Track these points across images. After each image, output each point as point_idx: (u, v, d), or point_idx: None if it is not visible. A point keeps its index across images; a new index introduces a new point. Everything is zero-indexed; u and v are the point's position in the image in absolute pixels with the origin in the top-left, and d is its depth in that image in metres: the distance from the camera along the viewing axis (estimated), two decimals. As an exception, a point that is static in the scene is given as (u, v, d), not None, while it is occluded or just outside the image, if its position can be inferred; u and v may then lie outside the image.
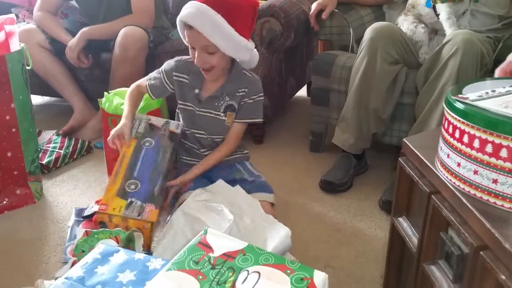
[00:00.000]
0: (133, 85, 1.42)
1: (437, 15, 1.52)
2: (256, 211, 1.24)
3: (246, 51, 1.23)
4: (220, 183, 1.30)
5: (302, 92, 2.48)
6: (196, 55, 1.21)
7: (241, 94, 1.30)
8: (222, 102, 1.31)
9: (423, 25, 1.57)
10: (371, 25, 1.55)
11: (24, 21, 2.41)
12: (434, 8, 1.53)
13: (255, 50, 1.31)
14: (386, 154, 1.83)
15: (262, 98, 1.34)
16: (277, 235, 1.16)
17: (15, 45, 1.44)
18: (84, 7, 2.16)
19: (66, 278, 0.81)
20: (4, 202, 1.48)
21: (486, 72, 1.44)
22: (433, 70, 1.41)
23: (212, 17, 1.15)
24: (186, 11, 1.18)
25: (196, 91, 1.31)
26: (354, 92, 1.56)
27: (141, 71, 1.91)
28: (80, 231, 1.26)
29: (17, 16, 2.41)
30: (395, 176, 1.52)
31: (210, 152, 1.36)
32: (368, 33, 1.52)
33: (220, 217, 1.14)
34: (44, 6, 2.09)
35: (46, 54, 2.04)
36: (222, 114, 1.32)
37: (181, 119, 1.41)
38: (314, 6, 1.76)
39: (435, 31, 1.59)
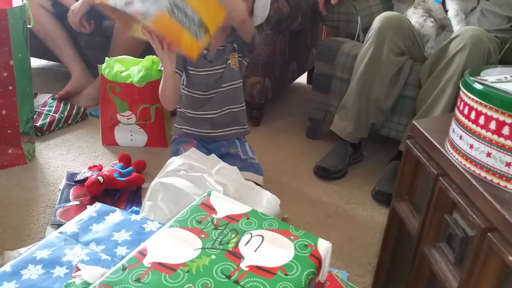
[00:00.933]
0: None
1: (446, 11, 1.51)
2: (237, 179, 1.24)
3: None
4: (194, 151, 1.29)
5: (302, 79, 2.47)
6: None
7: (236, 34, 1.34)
8: (227, 50, 1.35)
9: (432, 19, 1.56)
10: (379, 15, 1.54)
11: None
12: (443, 3, 1.52)
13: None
14: (383, 146, 1.83)
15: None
16: (264, 202, 1.17)
17: (17, 0, 1.40)
18: None
19: (60, 232, 0.80)
20: (-5, 159, 1.46)
21: (490, 71, 1.44)
22: (439, 65, 1.41)
23: None
24: None
25: (204, 52, 1.32)
26: (357, 80, 1.55)
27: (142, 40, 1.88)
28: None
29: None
30: (391, 167, 1.54)
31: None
32: (377, 21, 1.50)
33: (205, 189, 1.12)
34: None
35: (48, 16, 1.99)
36: (229, 61, 1.36)
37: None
38: (323, -9, 1.74)
39: (443, 26, 1.58)
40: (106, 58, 1.63)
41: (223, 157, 1.36)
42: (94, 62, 1.88)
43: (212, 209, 0.62)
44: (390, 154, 1.70)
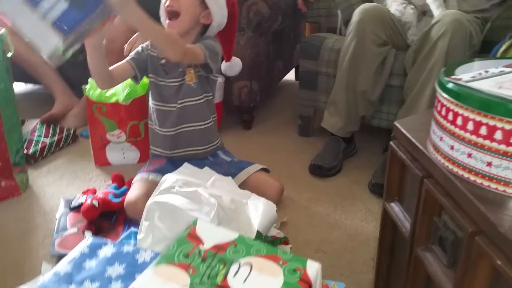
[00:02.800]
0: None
1: (425, -3, 1.50)
2: (232, 189, 1.24)
3: (222, 17, 1.30)
4: (186, 166, 1.29)
5: (290, 75, 2.46)
6: None
7: None
8: (184, 65, 1.32)
9: (412, 6, 1.55)
10: (359, 6, 1.53)
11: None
12: (422, -11, 1.51)
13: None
14: (375, 136, 1.83)
15: (212, 44, 1.30)
16: (260, 210, 1.16)
17: (-6, 29, 1.39)
18: None
19: (54, 274, 0.79)
20: (-12, 194, 1.44)
21: (474, 52, 1.44)
22: (422, 51, 1.40)
23: None
24: None
25: (163, 60, 1.32)
26: (343, 75, 1.54)
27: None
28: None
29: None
30: (384, 159, 1.54)
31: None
32: (356, 14, 1.49)
33: (201, 204, 1.12)
34: None
35: (21, 42, 1.98)
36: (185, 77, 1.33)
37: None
38: (301, -13, 1.73)
39: (423, 12, 1.57)
40: (89, 79, 1.62)
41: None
42: (78, 81, 1.87)
43: (198, 240, 0.61)
44: (384, 144, 1.70)
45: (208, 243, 0.60)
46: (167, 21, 1.29)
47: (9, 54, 1.44)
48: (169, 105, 1.36)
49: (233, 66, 1.46)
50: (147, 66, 1.36)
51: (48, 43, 0.98)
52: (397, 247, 0.79)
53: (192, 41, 1.33)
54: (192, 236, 0.62)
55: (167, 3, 1.26)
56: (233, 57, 1.44)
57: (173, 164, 1.37)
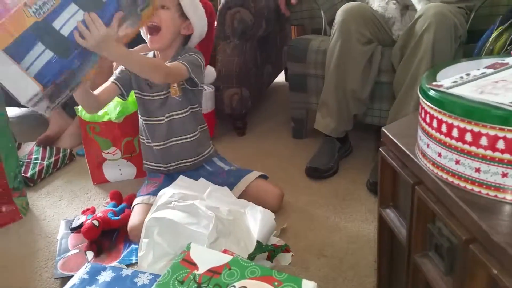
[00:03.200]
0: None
1: (406, -9, 1.50)
2: (229, 199, 1.24)
3: (201, 28, 1.31)
4: (182, 178, 1.29)
5: (280, 78, 2.45)
6: None
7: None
8: None
9: (394, 1, 1.54)
10: (342, 5, 1.53)
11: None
12: (402, -16, 1.51)
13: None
14: (369, 134, 1.83)
15: (196, 57, 1.30)
16: (259, 219, 1.16)
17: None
18: None
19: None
20: (-9, 220, 1.45)
21: (460, 44, 1.44)
22: (408, 46, 1.40)
23: None
24: None
25: None
26: (331, 76, 1.54)
27: None
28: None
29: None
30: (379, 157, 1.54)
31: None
32: (339, 15, 1.49)
33: (199, 217, 1.12)
34: None
35: None
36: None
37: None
38: (282, -9, 1.73)
39: (406, 6, 1.56)
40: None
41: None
42: (71, 101, 1.86)
43: (193, 265, 0.61)
44: (379, 141, 1.69)
45: (202, 267, 0.60)
46: (148, 36, 1.29)
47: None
48: (156, 119, 1.36)
49: (207, 75, 1.46)
50: (131, 82, 1.36)
51: (27, 93, 0.98)
52: (396, 252, 0.79)
53: (174, 53, 1.33)
54: (187, 261, 0.62)
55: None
56: (207, 66, 1.43)
57: (171, 179, 1.37)
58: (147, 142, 1.42)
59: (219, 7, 1.78)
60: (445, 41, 1.33)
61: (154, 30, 1.28)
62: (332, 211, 1.40)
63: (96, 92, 1.31)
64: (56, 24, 1.00)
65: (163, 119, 1.35)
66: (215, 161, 1.45)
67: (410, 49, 1.39)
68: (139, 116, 1.42)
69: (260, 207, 1.22)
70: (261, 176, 1.40)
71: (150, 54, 1.39)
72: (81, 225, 1.34)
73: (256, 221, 1.18)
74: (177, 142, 1.37)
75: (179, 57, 1.30)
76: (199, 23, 1.32)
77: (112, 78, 1.36)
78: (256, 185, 1.36)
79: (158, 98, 1.35)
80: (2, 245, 1.38)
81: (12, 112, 1.73)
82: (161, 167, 1.42)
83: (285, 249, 1.19)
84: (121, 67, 1.38)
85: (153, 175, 1.43)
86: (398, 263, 0.78)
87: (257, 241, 1.10)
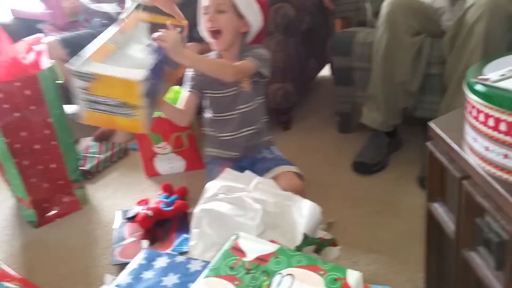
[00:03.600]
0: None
1: (456, -20, 1.45)
2: (275, 192, 1.25)
3: (256, 16, 1.33)
4: (228, 171, 1.32)
5: (325, 71, 2.44)
6: (208, 18, 1.31)
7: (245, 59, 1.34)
8: None
9: (443, -10, 1.50)
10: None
11: (49, 35, 2.48)
12: (451, -27, 1.46)
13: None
14: (420, 127, 1.77)
15: (264, 55, 1.36)
16: (305, 212, 1.17)
17: (45, 62, 1.49)
18: None
19: (116, 286, 0.85)
20: (54, 211, 1.57)
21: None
22: (459, 38, 1.36)
23: None
24: None
25: None
26: (378, 68, 1.52)
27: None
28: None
29: (42, 31, 2.49)
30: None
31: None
32: (385, 7, 1.47)
33: (246, 209, 1.14)
34: None
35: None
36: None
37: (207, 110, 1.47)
38: (326, -15, 1.72)
39: (457, -5, 1.52)
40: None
41: (253, 164, 1.40)
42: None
43: (242, 252, 0.64)
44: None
45: (250, 255, 0.63)
46: (212, 40, 1.35)
47: (60, 82, 1.54)
48: (228, 114, 1.41)
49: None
50: (203, 85, 1.41)
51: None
52: (444, 247, 0.78)
53: (238, 50, 1.37)
54: (236, 249, 0.66)
55: (208, 24, 1.32)
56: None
57: (234, 165, 1.40)
58: (212, 133, 1.46)
59: (262, 3, 1.80)
60: (498, 32, 1.28)
61: (215, 34, 1.33)
62: (381, 206, 1.38)
63: (179, 106, 1.40)
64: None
65: (235, 113, 1.40)
66: (271, 148, 1.47)
67: (461, 40, 1.35)
68: (208, 113, 1.46)
69: (307, 200, 1.23)
70: (295, 173, 1.37)
71: (213, 54, 1.42)
72: (136, 215, 1.42)
73: (303, 214, 1.19)
74: (245, 133, 1.42)
75: (245, 54, 1.34)
76: (255, 19, 1.36)
77: (188, 88, 1.42)
78: (283, 176, 1.34)
79: (231, 94, 1.39)
80: (64, 234, 1.48)
81: (69, 109, 1.85)
82: (223, 155, 1.46)
83: (333, 242, 1.19)
84: (190, 75, 1.43)
85: (218, 162, 1.46)
86: (446, 258, 0.78)
87: (304, 234, 1.11)
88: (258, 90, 1.42)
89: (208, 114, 1.46)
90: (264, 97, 1.46)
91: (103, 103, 1.09)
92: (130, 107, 1.08)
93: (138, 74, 1.07)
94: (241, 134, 1.42)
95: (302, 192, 1.30)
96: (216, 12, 1.30)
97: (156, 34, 1.15)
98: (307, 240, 1.11)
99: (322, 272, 0.58)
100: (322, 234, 1.23)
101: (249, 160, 1.42)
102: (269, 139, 1.48)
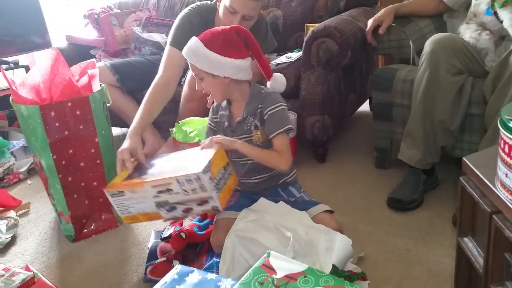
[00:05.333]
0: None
1: (501, 22, 1.45)
2: (307, 223, 1.25)
3: (227, 66, 1.28)
4: (262, 201, 1.33)
5: (364, 107, 2.45)
6: (196, 85, 1.35)
7: (259, 111, 1.32)
8: (249, 124, 1.34)
9: (487, 31, 1.50)
10: (431, 36, 1.52)
11: (101, 60, 2.65)
12: (496, 14, 1.46)
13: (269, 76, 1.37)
14: (458, 167, 1.74)
15: (282, 107, 1.32)
16: (336, 244, 1.17)
17: (96, 85, 1.59)
18: None
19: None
20: (92, 227, 1.63)
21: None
22: (502, 78, 1.35)
23: (193, 45, 1.28)
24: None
25: (226, 124, 1.36)
26: (418, 106, 1.52)
27: (206, 108, 2.01)
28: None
29: (95, 57, 2.67)
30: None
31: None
32: (428, 45, 1.49)
33: (277, 236, 1.16)
34: (167, 67, 1.86)
35: (117, 92, 2.22)
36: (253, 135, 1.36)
37: None
38: (370, 22, 1.76)
39: (502, 37, 1.51)
40: (176, 123, 1.78)
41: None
42: (165, 124, 2.05)
43: (272, 270, 0.66)
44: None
45: (280, 273, 0.65)
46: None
47: (109, 104, 1.64)
48: (239, 159, 1.39)
49: (276, 83, 1.38)
50: (218, 133, 1.41)
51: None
52: (473, 283, 0.76)
53: (246, 94, 1.35)
54: (266, 266, 0.67)
55: (197, 89, 1.35)
56: (274, 74, 1.38)
57: (246, 197, 1.40)
58: None
59: (305, 38, 1.85)
60: (543, 73, 1.26)
61: (209, 94, 1.38)
62: (413, 243, 1.36)
63: None
64: None
65: (243, 160, 1.38)
66: (291, 190, 1.45)
67: (504, 80, 1.34)
68: None
69: (338, 233, 1.23)
70: (327, 211, 1.35)
71: (224, 103, 1.41)
72: (169, 236, 1.46)
73: (333, 246, 1.19)
74: (253, 180, 1.40)
75: (259, 103, 1.33)
76: (229, 69, 1.29)
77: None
78: (318, 219, 1.31)
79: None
80: (99, 249, 1.54)
81: (114, 131, 1.96)
82: (238, 187, 1.42)
83: (362, 277, 1.18)
84: (207, 128, 1.48)
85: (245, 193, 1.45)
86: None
87: (333, 265, 1.11)
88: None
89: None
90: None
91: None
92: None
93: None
94: (250, 181, 1.40)
95: (341, 230, 1.28)
96: (199, 79, 1.32)
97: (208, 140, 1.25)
98: (337, 271, 1.11)
99: (348, 293, 0.59)
100: (352, 267, 1.23)
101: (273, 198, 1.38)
102: (289, 178, 1.42)
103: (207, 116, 1.92)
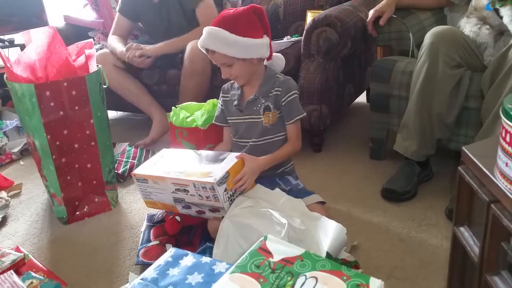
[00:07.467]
0: None
1: (501, 17, 1.45)
2: (302, 211, 1.27)
3: (256, 47, 1.31)
4: (258, 188, 1.34)
5: (361, 98, 2.45)
6: (223, 72, 1.36)
7: (274, 94, 1.36)
8: (259, 105, 1.38)
9: (487, 26, 1.50)
10: (431, 29, 1.52)
11: (99, 43, 2.62)
12: (496, 10, 1.46)
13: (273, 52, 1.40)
14: (453, 160, 1.76)
15: (296, 95, 1.38)
16: (330, 232, 1.18)
17: (93, 66, 1.57)
18: (148, 28, 2.33)
19: (141, 279, 0.88)
20: (85, 209, 1.62)
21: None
22: (499, 73, 1.35)
23: (217, 33, 1.28)
24: (201, 38, 1.32)
25: (235, 102, 1.40)
26: (416, 97, 1.53)
27: (208, 82, 2.01)
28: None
29: (93, 38, 2.63)
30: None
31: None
32: (428, 37, 1.48)
33: (272, 223, 1.16)
34: (116, 31, 2.27)
35: (121, 72, 2.20)
36: (261, 116, 1.38)
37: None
38: (371, 13, 1.75)
39: (501, 32, 1.51)
40: (173, 107, 1.77)
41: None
42: (164, 108, 2.04)
43: (268, 253, 0.66)
44: (462, 168, 1.63)
45: (277, 256, 0.65)
46: (233, 80, 1.40)
47: (105, 86, 1.62)
48: (243, 140, 1.42)
49: (276, 62, 1.44)
50: (228, 114, 1.46)
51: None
52: (468, 273, 0.77)
53: (260, 77, 1.38)
54: (263, 250, 0.68)
55: (226, 75, 1.37)
56: (274, 54, 1.41)
57: None
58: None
59: (306, 27, 1.84)
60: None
61: (234, 79, 1.39)
62: (406, 234, 1.37)
63: (226, 142, 1.53)
64: None
65: (249, 142, 1.40)
66: (287, 177, 1.47)
67: (502, 75, 1.34)
68: (232, 136, 1.49)
69: (333, 221, 1.23)
70: (319, 202, 1.37)
71: (236, 86, 1.44)
72: (163, 220, 1.46)
73: (328, 234, 1.20)
74: None
75: (273, 86, 1.36)
76: (256, 50, 1.32)
77: (222, 125, 1.51)
78: (310, 209, 1.32)
79: (249, 121, 1.41)
80: (91, 232, 1.53)
81: (110, 114, 1.95)
82: None
83: (355, 265, 1.19)
84: (218, 110, 1.51)
85: None
86: (469, 283, 0.77)
87: (327, 253, 1.12)
88: (281, 126, 1.40)
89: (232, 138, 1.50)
90: (285, 133, 1.42)
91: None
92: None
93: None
94: None
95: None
96: (226, 67, 1.33)
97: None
98: (330, 259, 1.11)
99: (345, 278, 0.59)
100: (345, 255, 1.23)
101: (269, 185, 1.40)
102: (285, 170, 1.46)
103: (205, 97, 1.92)
